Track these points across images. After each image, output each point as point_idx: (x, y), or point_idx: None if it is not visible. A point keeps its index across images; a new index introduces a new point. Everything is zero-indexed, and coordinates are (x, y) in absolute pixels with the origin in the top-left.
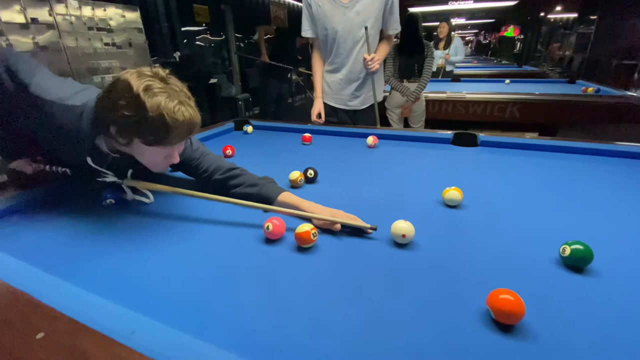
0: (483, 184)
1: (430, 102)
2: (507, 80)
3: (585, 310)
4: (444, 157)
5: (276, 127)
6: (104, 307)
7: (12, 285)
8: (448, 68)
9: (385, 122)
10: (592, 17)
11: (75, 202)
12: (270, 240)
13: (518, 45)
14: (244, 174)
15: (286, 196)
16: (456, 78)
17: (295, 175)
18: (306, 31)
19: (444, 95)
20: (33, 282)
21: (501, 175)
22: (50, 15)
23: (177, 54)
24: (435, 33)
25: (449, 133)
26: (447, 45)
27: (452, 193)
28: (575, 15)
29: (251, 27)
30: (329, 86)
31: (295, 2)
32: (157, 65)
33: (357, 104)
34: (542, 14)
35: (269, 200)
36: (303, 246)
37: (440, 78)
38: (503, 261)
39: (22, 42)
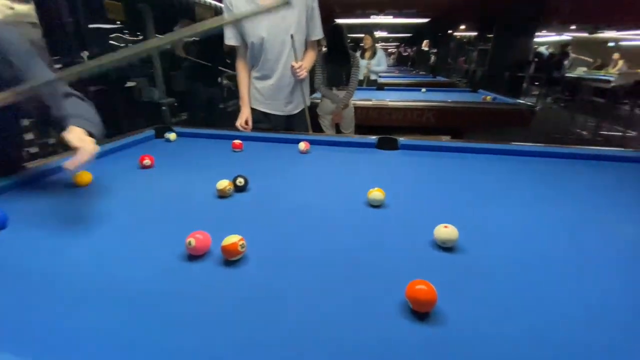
0: (403, 184)
1: (358, 109)
2: (424, 89)
3: (482, 288)
4: (369, 161)
5: (204, 134)
6: None
7: None
8: (372, 77)
9: (318, 128)
10: (489, 36)
11: None
12: (193, 257)
13: (432, 58)
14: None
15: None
16: (380, 86)
17: (224, 184)
18: (229, 39)
19: (370, 102)
20: None
21: (418, 175)
22: None
23: (85, 54)
24: (361, 44)
25: (373, 138)
26: (372, 55)
27: (375, 194)
28: (475, 33)
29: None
30: (259, 92)
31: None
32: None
33: (291, 108)
34: (450, 31)
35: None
36: (230, 259)
37: (365, 87)
38: (420, 254)
39: None
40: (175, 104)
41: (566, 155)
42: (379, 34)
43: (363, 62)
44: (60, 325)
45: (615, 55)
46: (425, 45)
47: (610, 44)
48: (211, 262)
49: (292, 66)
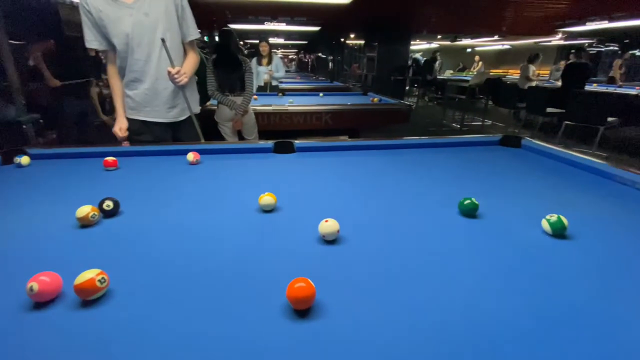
0: (297, 186)
1: (259, 115)
2: (321, 94)
3: (360, 277)
4: (265, 166)
5: (70, 154)
6: None
7: None
8: (274, 83)
9: (219, 136)
10: (374, 44)
11: None
12: (39, 304)
13: (330, 64)
14: None
15: None
16: (282, 92)
17: (85, 210)
18: (90, 42)
19: (270, 108)
20: None
21: (312, 176)
22: None
23: None
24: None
25: (269, 143)
26: (269, 62)
27: (266, 199)
28: (363, 42)
29: (37, 32)
30: (132, 99)
31: None
32: None
33: (176, 114)
34: (342, 39)
35: None
36: (88, 299)
37: (268, 92)
38: (307, 250)
39: None
40: (41, 120)
41: (433, 145)
42: (275, 40)
43: (263, 69)
44: None
45: (476, 58)
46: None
47: (468, 50)
48: (62, 307)
49: (169, 72)
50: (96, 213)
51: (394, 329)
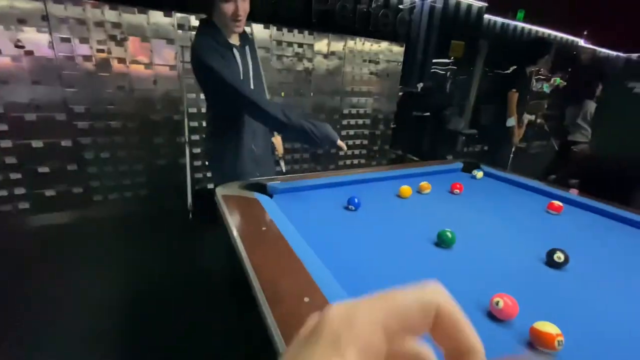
0: None
1: None
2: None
3: None
4: None
5: (505, 179)
6: None
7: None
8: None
9: None
10: None
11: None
12: (495, 318)
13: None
14: None
15: None
16: None
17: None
18: None
19: None
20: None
21: None
22: (343, 48)
23: (419, 85)
24: None
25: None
26: None
27: None
28: None
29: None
30: None
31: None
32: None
33: None
34: None
35: None
36: (538, 347)
37: None
38: None
39: (321, 66)
40: (476, 136)
41: None
42: None
43: None
44: None
45: None
46: None
47: None
48: (509, 334)
49: None
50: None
51: None
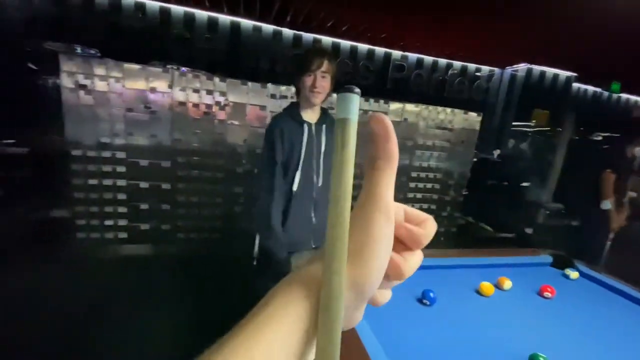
0: None
1: None
2: None
3: None
4: None
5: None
6: None
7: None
8: None
9: None
10: None
11: None
12: None
13: None
14: None
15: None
16: None
17: None
18: None
19: None
20: None
21: None
22: (416, 117)
23: (496, 152)
24: None
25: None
26: None
27: None
28: None
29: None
30: None
31: None
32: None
33: None
34: None
35: None
36: None
37: None
38: None
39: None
40: (563, 211)
41: None
42: None
43: None
44: None
45: None
46: None
47: None
48: None
49: None
50: None
51: None
